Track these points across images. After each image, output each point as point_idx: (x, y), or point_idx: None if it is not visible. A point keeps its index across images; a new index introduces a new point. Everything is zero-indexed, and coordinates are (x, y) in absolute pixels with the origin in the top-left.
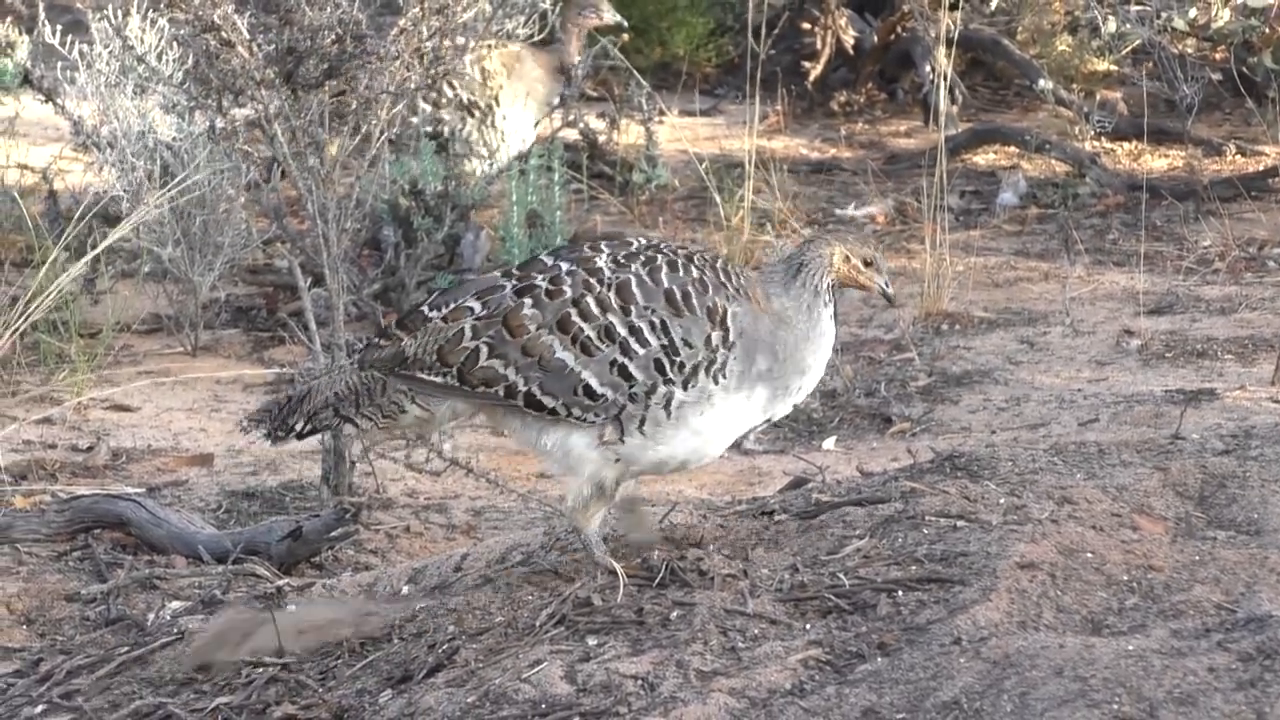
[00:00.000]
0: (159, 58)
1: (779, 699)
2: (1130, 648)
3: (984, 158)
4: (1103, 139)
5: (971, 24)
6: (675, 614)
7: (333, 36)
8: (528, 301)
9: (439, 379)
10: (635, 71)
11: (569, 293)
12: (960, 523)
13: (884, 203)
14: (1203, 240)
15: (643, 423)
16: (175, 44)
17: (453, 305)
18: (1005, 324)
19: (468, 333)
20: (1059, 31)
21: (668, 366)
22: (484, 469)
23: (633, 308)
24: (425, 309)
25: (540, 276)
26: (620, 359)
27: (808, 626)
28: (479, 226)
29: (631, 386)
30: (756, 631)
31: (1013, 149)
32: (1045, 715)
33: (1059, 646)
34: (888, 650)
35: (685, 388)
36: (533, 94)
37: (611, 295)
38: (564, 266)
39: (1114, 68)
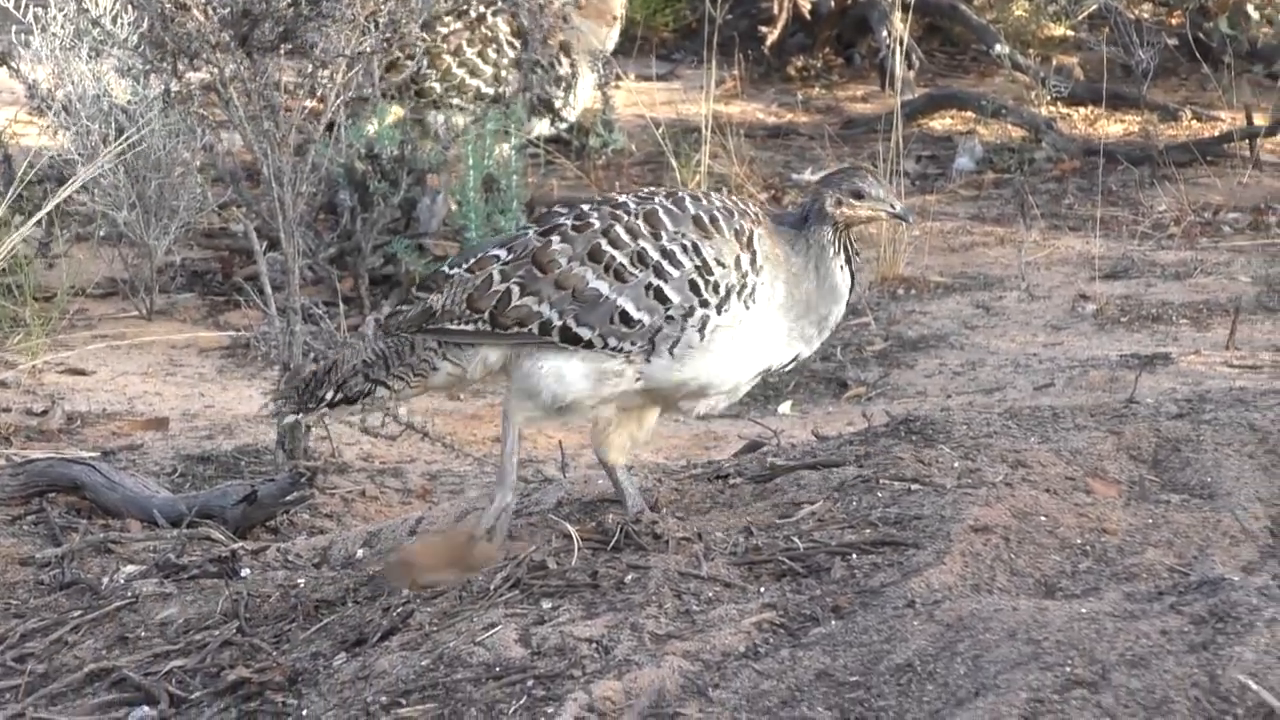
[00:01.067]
0: (114, 21)
1: (733, 661)
2: (1083, 610)
3: (940, 123)
4: (1059, 104)
5: None
6: (630, 577)
7: (288, 0)
8: (555, 238)
9: (470, 326)
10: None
11: (597, 224)
12: (914, 486)
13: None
14: (1158, 205)
15: (675, 344)
16: (130, 7)
17: (477, 257)
18: (961, 289)
19: (496, 277)
20: None
21: (702, 287)
22: (439, 433)
23: (663, 233)
24: (445, 269)
25: (564, 219)
26: (655, 282)
27: (762, 590)
28: (435, 190)
29: (668, 309)
30: (711, 594)
31: (969, 114)
32: (998, 678)
33: (1012, 609)
34: (842, 613)
35: (719, 311)
36: (590, 49)
37: (640, 223)
38: (586, 207)
39: (1070, 33)
